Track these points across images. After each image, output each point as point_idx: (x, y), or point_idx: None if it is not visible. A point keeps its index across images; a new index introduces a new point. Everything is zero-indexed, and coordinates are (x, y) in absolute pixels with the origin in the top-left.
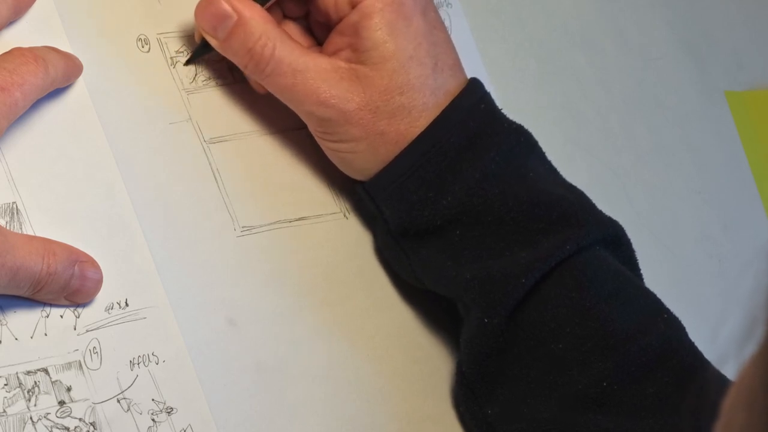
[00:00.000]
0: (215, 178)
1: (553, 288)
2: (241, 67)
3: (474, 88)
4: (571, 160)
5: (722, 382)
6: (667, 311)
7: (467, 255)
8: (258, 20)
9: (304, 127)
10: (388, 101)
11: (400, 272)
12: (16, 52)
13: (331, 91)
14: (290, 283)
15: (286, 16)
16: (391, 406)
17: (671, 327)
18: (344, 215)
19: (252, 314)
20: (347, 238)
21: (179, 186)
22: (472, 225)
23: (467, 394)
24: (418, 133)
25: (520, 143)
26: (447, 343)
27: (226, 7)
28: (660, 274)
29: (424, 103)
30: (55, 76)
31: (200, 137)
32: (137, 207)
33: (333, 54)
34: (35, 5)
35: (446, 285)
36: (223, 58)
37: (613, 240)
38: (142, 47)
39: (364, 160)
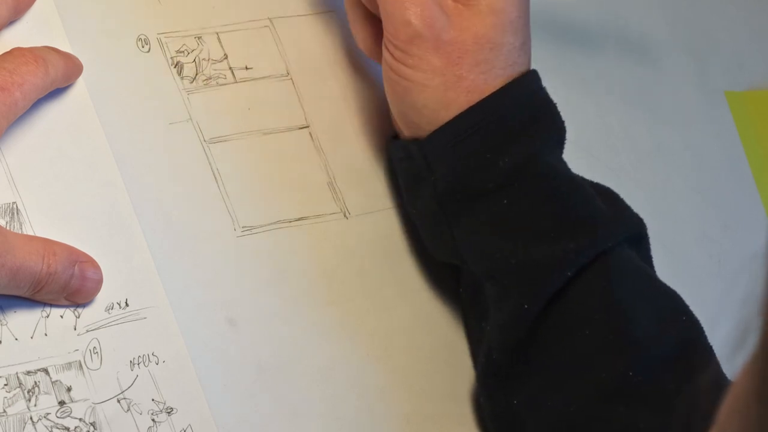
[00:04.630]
0: (215, 178)
1: (586, 279)
2: None
3: (536, 76)
4: (571, 160)
5: (720, 386)
6: (688, 312)
7: (511, 228)
8: None
9: (304, 127)
10: (478, 50)
11: (435, 243)
12: (16, 52)
13: (435, 12)
14: (290, 283)
15: None
16: (391, 406)
17: (691, 328)
18: (344, 215)
19: (252, 314)
20: (347, 238)
21: (179, 186)
22: (522, 194)
23: (495, 384)
24: (491, 92)
25: (562, 139)
26: (448, 343)
27: None
28: (660, 274)
29: (503, 68)
30: (55, 76)
31: (200, 137)
32: (137, 207)
33: None
34: (35, 5)
35: (485, 261)
36: (224, 58)
37: (638, 239)
38: (142, 47)
39: (429, 97)
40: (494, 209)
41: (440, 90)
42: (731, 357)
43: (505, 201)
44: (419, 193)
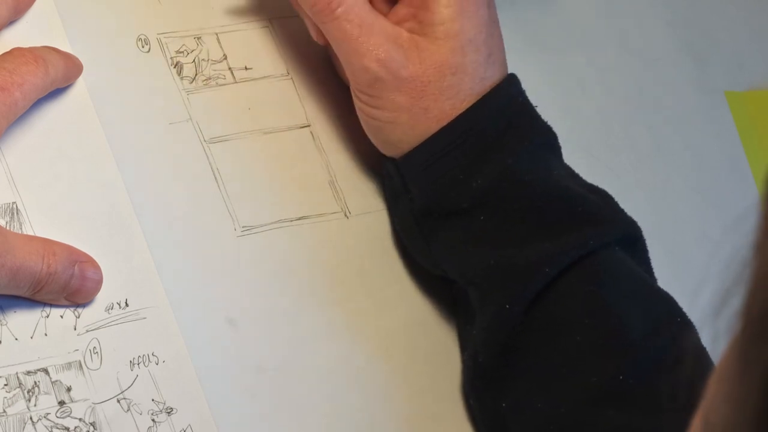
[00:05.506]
0: (215, 178)
1: (573, 281)
2: (310, 3)
3: (513, 81)
4: (571, 160)
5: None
6: (682, 314)
7: (488, 240)
8: None
9: (305, 126)
10: (440, 78)
11: (416, 255)
12: (16, 52)
13: (391, 53)
14: (290, 283)
15: None
16: (392, 406)
17: (685, 330)
18: (345, 215)
19: (252, 314)
20: (348, 237)
21: (179, 186)
22: (497, 211)
23: (482, 386)
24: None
25: (549, 142)
26: (448, 343)
27: None
28: (660, 274)
29: (471, 88)
30: (55, 76)
31: (200, 137)
32: (137, 207)
33: (395, 24)
34: (35, 5)
35: (465, 269)
36: (224, 58)
37: (631, 241)
38: (142, 47)
39: (401, 133)
40: (470, 226)
41: (409, 125)
42: (712, 322)
43: (482, 218)
44: (398, 209)
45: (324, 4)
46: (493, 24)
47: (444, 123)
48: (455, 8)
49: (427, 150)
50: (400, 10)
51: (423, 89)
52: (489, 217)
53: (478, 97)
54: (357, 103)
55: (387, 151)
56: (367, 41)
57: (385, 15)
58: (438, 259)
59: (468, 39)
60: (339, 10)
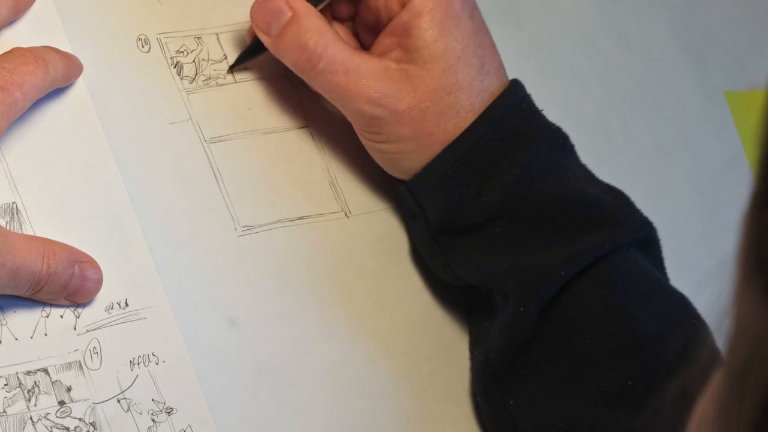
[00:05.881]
0: (215, 178)
1: (587, 284)
2: (291, 64)
3: (516, 89)
4: None
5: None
6: (696, 316)
7: (506, 251)
8: (312, 17)
9: (304, 126)
10: (437, 101)
11: (437, 270)
12: (16, 52)
13: (382, 90)
14: (291, 282)
15: (334, 18)
16: (391, 406)
17: (699, 332)
18: (345, 214)
19: (252, 314)
20: (348, 237)
21: (179, 186)
22: (511, 222)
23: (490, 384)
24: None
25: (559, 144)
26: (448, 343)
27: (281, 3)
28: None
29: (471, 103)
30: (55, 76)
31: (200, 137)
32: (137, 207)
33: (382, 55)
34: (35, 5)
35: (484, 278)
36: (224, 58)
37: (646, 241)
38: (142, 47)
39: (410, 160)
40: (486, 238)
41: (417, 152)
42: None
43: (497, 230)
44: (415, 229)
45: (305, 62)
46: (479, 33)
47: (449, 143)
48: (436, 29)
49: (434, 170)
50: (384, 40)
51: (422, 116)
52: (504, 229)
53: (480, 111)
54: (363, 140)
55: (400, 176)
56: (355, 87)
57: (370, 45)
58: (458, 272)
59: (456, 56)
60: (320, 65)
